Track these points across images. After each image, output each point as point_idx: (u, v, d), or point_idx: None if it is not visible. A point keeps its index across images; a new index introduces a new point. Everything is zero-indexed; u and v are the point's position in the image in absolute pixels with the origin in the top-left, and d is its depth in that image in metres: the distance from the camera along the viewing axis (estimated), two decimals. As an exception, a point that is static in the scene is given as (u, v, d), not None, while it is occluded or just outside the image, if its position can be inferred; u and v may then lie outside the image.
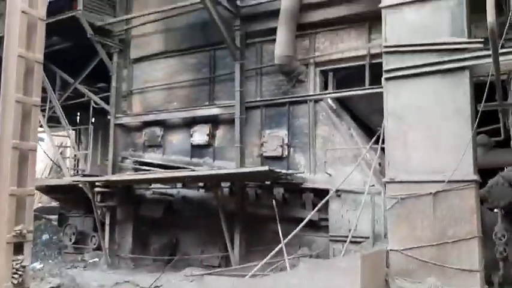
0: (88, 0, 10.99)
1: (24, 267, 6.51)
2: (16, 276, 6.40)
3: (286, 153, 9.36)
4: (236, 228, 9.34)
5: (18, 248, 6.57)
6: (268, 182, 9.38)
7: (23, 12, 6.63)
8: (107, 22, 11.20)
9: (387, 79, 6.41)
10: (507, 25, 5.85)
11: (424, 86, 6.18)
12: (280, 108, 9.58)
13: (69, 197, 14.70)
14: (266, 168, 7.74)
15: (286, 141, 9.39)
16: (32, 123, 6.89)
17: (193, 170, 9.98)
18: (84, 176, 11.04)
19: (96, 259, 13.11)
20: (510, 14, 5.69)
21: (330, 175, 8.77)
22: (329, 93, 9.19)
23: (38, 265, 12.21)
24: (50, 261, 14.24)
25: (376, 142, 7.95)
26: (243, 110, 9.74)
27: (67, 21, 10.77)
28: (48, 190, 15.30)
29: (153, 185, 11.01)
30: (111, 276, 10.02)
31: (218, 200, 9.62)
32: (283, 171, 8.77)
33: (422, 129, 6.16)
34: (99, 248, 13.84)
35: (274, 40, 9.39)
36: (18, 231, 6.44)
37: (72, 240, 14.54)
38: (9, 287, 6.37)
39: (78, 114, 16.17)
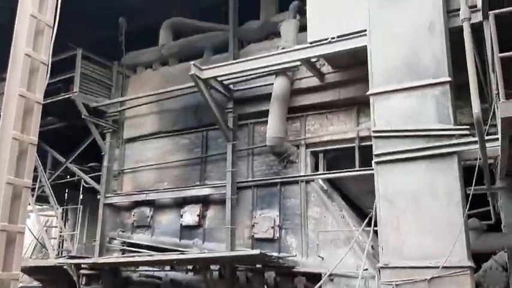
0: (84, 83, 11.30)
1: None
2: None
3: (277, 235, 9.23)
4: (226, 314, 8.97)
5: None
6: (259, 265, 9.17)
7: (20, 95, 6.79)
8: (102, 104, 11.47)
9: (377, 163, 6.53)
10: (491, 113, 6.10)
11: (414, 170, 6.28)
12: (272, 189, 9.60)
13: (53, 279, 14.16)
14: (257, 251, 7.61)
15: (277, 222, 9.30)
16: (22, 205, 6.80)
17: (182, 252, 9.76)
18: (70, 257, 10.71)
19: None
20: (494, 102, 5.95)
21: (323, 258, 8.60)
22: (320, 174, 9.27)
23: None
24: None
25: (368, 224, 7.92)
26: (234, 191, 9.74)
27: (63, 102, 11.01)
28: (31, 271, 14.76)
29: (140, 267, 10.70)
30: None
31: (207, 283, 9.36)
32: (275, 254, 8.61)
33: (414, 214, 6.18)
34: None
35: (266, 122, 9.65)
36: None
37: (54, 325, 13.84)
38: None
39: (66, 191, 15.99)
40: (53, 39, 7.12)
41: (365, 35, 7.41)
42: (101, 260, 9.91)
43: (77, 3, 10.19)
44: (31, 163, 7.05)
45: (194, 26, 12.25)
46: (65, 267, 10.21)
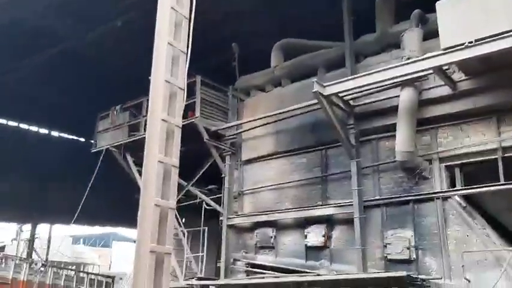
0: (204, 108, 11.66)
1: None
2: None
3: (414, 256, 8.65)
4: None
5: None
6: (395, 288, 8.64)
7: (163, 120, 7.08)
8: (221, 127, 11.72)
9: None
10: None
11: None
12: (403, 207, 9.07)
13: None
14: (404, 273, 7.13)
15: (413, 242, 8.72)
16: (168, 227, 7.02)
17: (308, 274, 9.49)
18: (199, 279, 10.82)
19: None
20: None
21: (469, 281, 7.87)
22: (458, 190, 8.59)
23: None
24: None
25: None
26: (361, 210, 9.33)
27: (185, 127, 11.35)
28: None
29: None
30: None
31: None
32: (422, 276, 7.99)
33: None
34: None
35: (391, 136, 9.30)
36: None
37: None
38: None
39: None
40: (187, 65, 7.38)
41: (508, 36, 6.82)
42: (233, 281, 9.95)
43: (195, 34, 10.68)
44: (174, 185, 7.27)
45: (304, 45, 12.20)
46: (193, 288, 10.35)
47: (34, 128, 19.79)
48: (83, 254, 34.97)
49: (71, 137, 20.91)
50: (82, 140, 21.03)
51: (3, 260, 14.64)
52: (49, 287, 15.60)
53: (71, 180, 17.71)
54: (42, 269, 16.49)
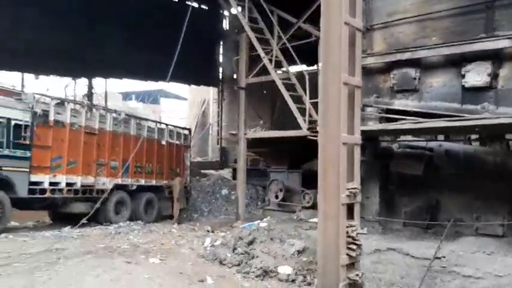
0: None
1: (357, 234, 5.24)
2: (354, 247, 5.13)
3: None
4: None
5: (349, 211, 5.32)
6: None
7: None
8: None
9: None
10: None
11: None
12: None
13: (271, 151, 13.81)
14: None
15: None
16: (356, 53, 5.50)
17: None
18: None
19: (315, 219, 12.03)
20: None
21: None
22: None
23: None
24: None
25: None
26: (552, 39, 7.42)
27: None
28: (249, 144, 14.55)
29: (403, 138, 9.38)
30: (366, 242, 8.64)
31: (498, 155, 7.67)
32: None
33: None
34: (313, 206, 12.80)
35: None
36: (352, 190, 5.14)
37: (279, 198, 13.76)
38: (345, 260, 5.14)
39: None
40: None
41: None
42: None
43: None
44: (359, 5, 5.64)
45: None
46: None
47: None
48: (137, 110, 35.02)
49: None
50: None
51: (88, 110, 13.89)
52: (133, 138, 15.21)
53: (128, 33, 16.34)
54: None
